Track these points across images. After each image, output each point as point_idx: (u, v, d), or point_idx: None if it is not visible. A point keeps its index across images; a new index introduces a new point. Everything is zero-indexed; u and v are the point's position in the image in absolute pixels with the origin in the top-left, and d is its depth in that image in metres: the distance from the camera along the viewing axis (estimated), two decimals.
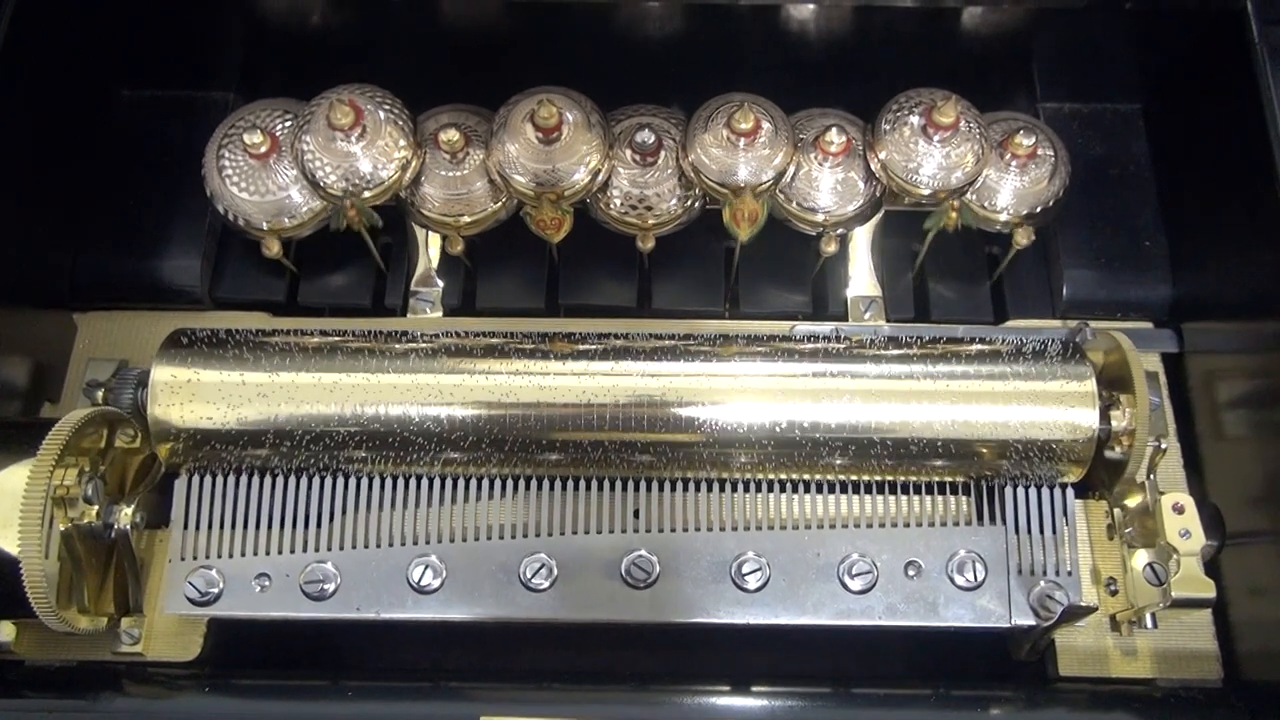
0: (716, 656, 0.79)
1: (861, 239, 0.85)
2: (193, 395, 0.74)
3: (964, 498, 0.77)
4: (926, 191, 0.80)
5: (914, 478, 0.76)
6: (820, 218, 0.82)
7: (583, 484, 0.76)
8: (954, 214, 0.82)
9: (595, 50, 0.90)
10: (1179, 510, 0.70)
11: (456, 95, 0.87)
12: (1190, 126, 0.87)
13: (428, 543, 0.75)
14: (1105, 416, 0.73)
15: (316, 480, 0.76)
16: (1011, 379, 0.75)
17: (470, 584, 0.74)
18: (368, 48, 0.91)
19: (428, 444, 0.74)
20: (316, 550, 0.75)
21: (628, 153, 0.81)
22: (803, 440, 0.74)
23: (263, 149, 0.80)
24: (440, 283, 0.86)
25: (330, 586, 0.74)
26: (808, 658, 0.79)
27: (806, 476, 0.76)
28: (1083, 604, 0.71)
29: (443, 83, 0.87)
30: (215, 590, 0.75)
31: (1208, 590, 0.69)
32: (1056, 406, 0.74)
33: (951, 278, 0.89)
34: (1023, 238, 0.82)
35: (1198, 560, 0.70)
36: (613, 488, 0.76)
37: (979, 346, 0.77)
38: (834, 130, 0.79)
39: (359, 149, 0.78)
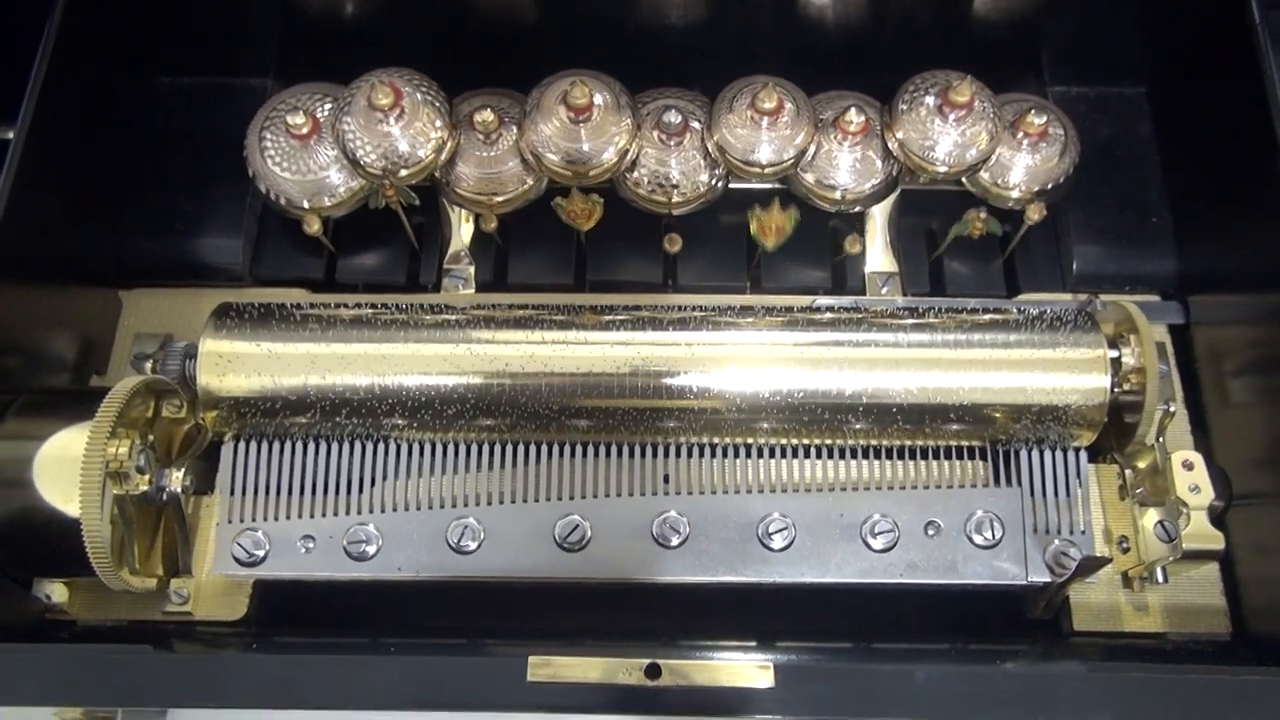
0: (744, 615, 0.82)
1: (879, 216, 0.88)
2: (239, 365, 0.77)
3: (981, 461, 0.80)
4: (943, 169, 0.83)
5: (933, 442, 0.79)
6: (839, 195, 0.85)
7: (614, 449, 0.79)
8: (979, 224, 0.84)
9: (619, 38, 0.93)
10: (1189, 467, 0.74)
11: (484, 81, 0.90)
12: (1194, 108, 0.91)
13: (466, 505, 0.78)
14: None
15: (359, 446, 0.79)
16: (1026, 346, 0.77)
17: (507, 545, 0.77)
18: (400, 35, 0.94)
19: (464, 411, 0.77)
20: (359, 513, 0.78)
21: (654, 133, 0.84)
22: (826, 406, 0.77)
23: (304, 130, 0.83)
24: (472, 260, 0.89)
25: (372, 548, 0.77)
26: (831, 615, 0.82)
27: (830, 441, 0.79)
28: (1097, 555, 0.74)
29: (472, 69, 0.90)
30: (262, 552, 0.77)
31: (1217, 542, 0.72)
32: (1069, 372, 0.77)
33: (965, 254, 0.92)
34: (1034, 213, 0.85)
35: (1206, 514, 0.73)
36: (643, 453, 0.79)
37: (995, 316, 0.80)
38: (853, 110, 0.82)
39: (398, 129, 0.81)
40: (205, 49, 0.96)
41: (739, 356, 0.78)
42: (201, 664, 0.67)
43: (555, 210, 0.85)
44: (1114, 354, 0.77)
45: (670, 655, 0.66)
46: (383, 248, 0.92)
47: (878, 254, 0.89)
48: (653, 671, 0.62)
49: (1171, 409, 0.77)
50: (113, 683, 0.65)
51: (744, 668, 0.62)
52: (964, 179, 0.85)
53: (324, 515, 0.78)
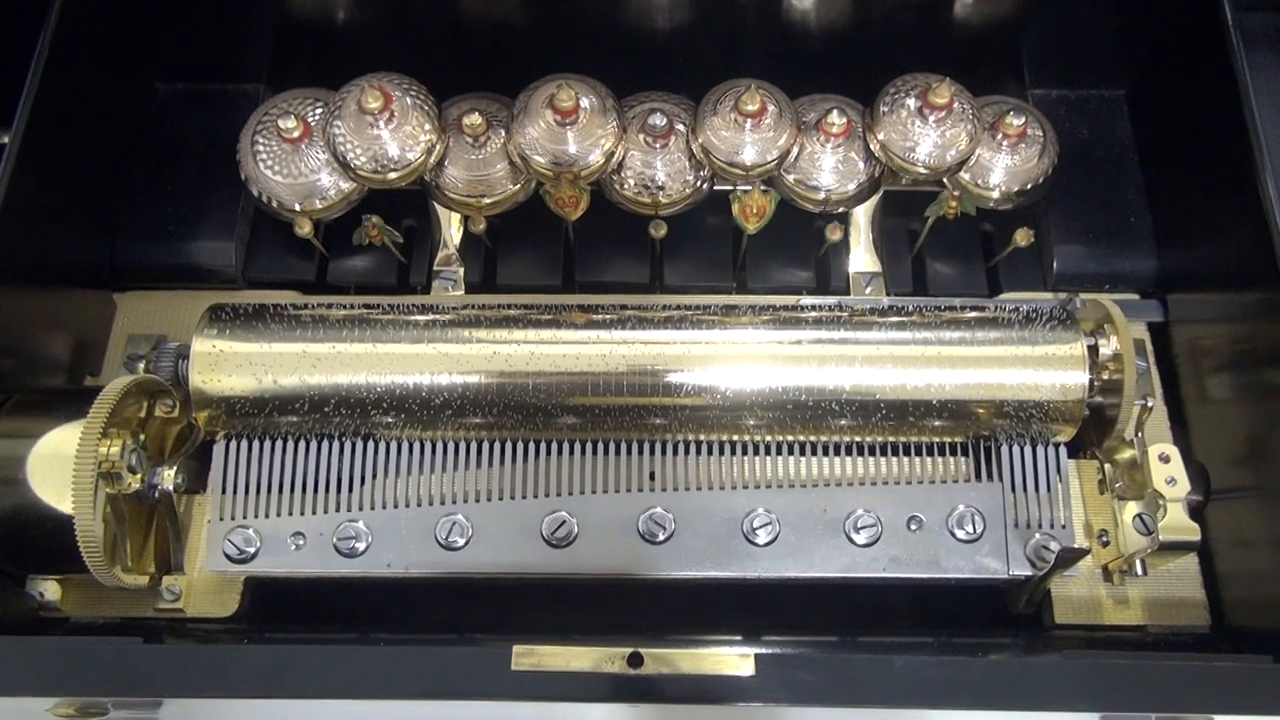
0: (730, 610, 0.83)
1: (862, 217, 0.90)
2: (231, 365, 0.78)
3: (963, 457, 0.81)
4: (924, 170, 0.84)
5: (915, 438, 0.80)
6: (822, 196, 0.86)
7: (600, 447, 0.80)
8: (954, 202, 0.86)
9: (605, 43, 0.94)
10: (1165, 460, 0.74)
11: (473, 86, 0.91)
12: (1172, 109, 0.92)
13: (455, 502, 0.79)
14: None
15: (349, 444, 0.80)
16: (1006, 344, 0.78)
17: (496, 541, 0.78)
18: (390, 41, 0.96)
19: (453, 410, 0.78)
20: (349, 510, 0.79)
21: (640, 136, 0.85)
22: (809, 403, 0.78)
23: (295, 134, 0.84)
24: (461, 262, 0.90)
25: (362, 545, 0.78)
26: (816, 610, 0.83)
27: (814, 438, 0.80)
28: (1075, 546, 0.75)
29: (460, 74, 0.91)
30: (253, 549, 0.78)
31: (1193, 534, 0.73)
32: (1048, 369, 0.78)
33: (948, 255, 0.93)
34: (1022, 239, 0.87)
35: (1183, 505, 0.74)
36: (629, 450, 0.80)
37: (976, 314, 0.81)
38: (835, 112, 0.84)
39: (387, 133, 0.82)
40: (200, 55, 0.97)
41: (724, 354, 0.78)
42: (194, 655, 0.68)
43: (543, 198, 0.86)
44: (1091, 345, 0.78)
45: (654, 646, 0.67)
46: (373, 250, 0.93)
47: (861, 254, 0.90)
48: (635, 660, 0.63)
49: (1150, 404, 0.78)
50: (106, 674, 0.65)
51: (726, 656, 0.63)
52: (945, 179, 0.86)
53: (314, 512, 0.79)
